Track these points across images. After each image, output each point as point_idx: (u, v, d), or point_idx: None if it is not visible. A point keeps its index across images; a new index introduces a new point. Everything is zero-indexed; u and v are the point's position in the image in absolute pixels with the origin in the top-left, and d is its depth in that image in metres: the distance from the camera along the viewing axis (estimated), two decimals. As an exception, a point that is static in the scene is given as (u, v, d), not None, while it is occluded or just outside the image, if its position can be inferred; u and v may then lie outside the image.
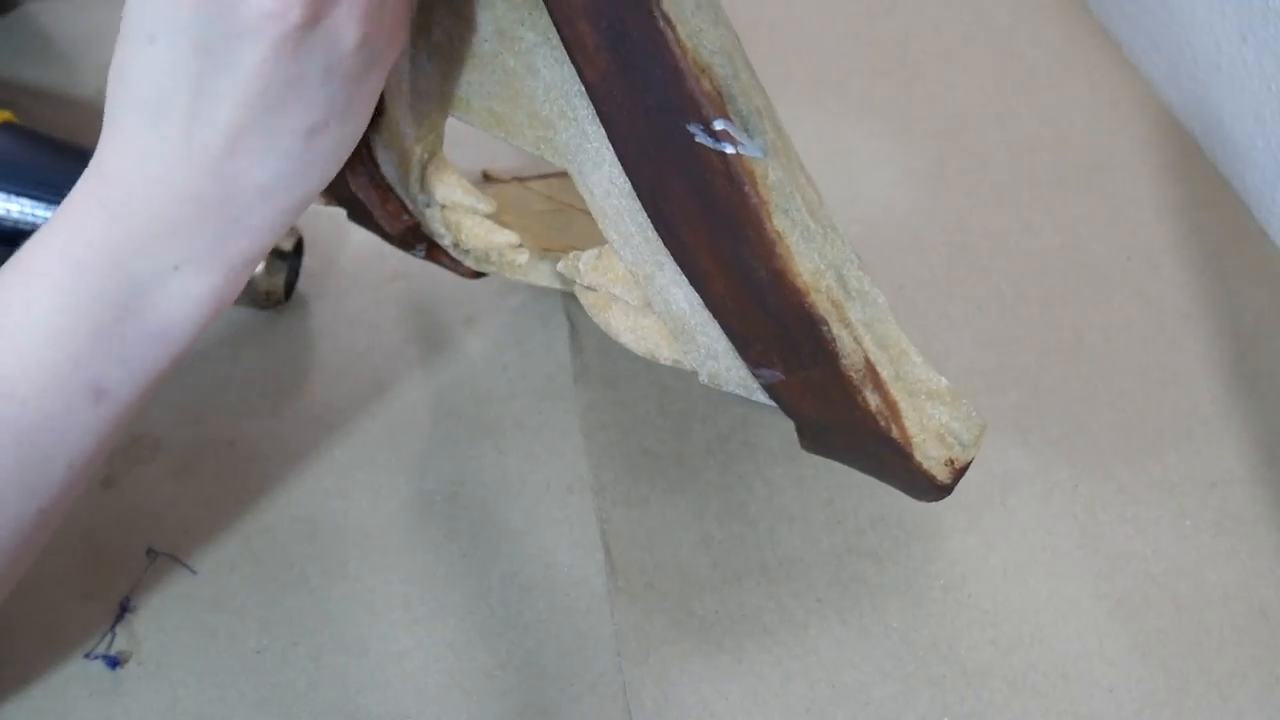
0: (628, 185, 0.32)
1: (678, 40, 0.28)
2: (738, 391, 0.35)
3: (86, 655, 0.39)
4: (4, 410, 0.31)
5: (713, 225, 0.30)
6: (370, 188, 0.40)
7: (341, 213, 0.42)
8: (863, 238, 0.52)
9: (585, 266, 0.36)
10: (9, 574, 0.35)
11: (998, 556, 0.42)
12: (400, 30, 0.32)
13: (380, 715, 0.38)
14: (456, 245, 0.41)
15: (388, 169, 0.39)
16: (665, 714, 0.38)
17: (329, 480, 0.44)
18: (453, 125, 0.39)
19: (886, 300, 0.32)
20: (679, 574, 0.41)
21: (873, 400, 0.32)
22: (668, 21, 0.27)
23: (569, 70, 0.32)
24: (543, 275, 0.42)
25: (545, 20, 0.32)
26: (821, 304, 0.30)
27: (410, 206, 0.41)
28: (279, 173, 0.31)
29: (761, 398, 0.35)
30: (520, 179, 0.49)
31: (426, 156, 0.39)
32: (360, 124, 0.33)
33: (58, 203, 0.45)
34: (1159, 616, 0.40)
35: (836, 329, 0.31)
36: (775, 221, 0.30)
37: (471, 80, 0.36)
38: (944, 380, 0.32)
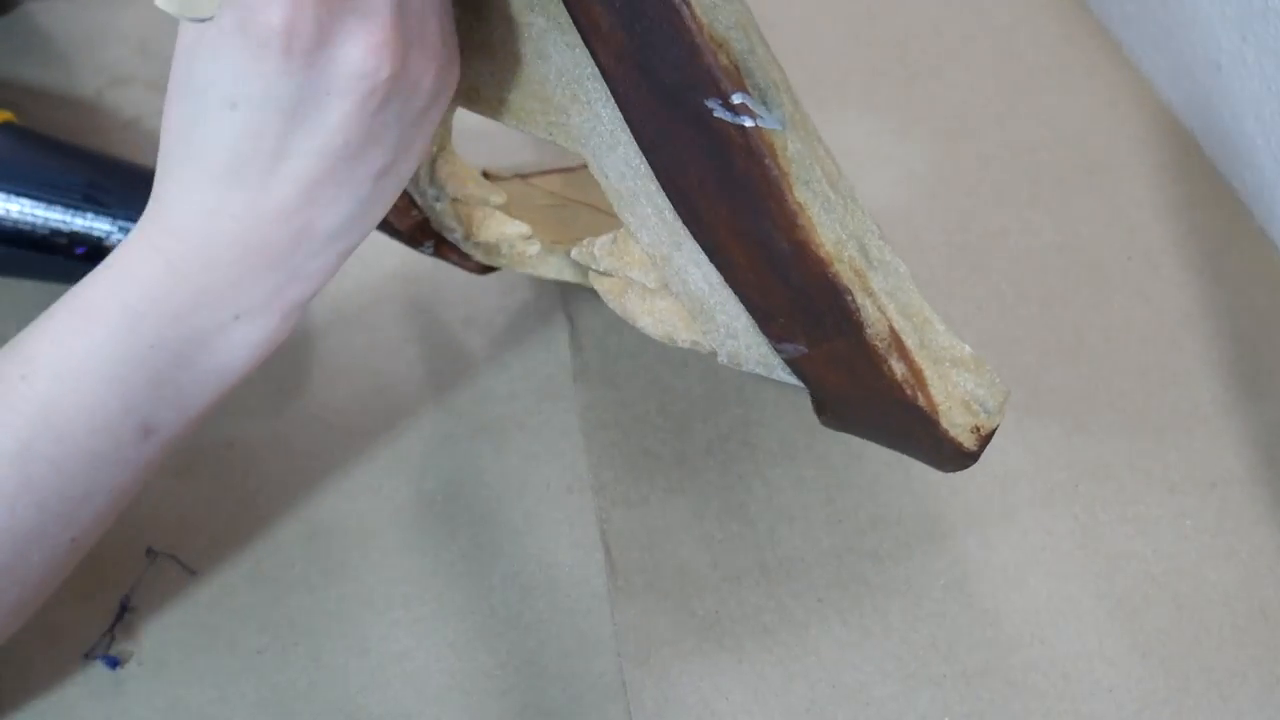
0: (643, 167, 0.32)
1: (693, 16, 0.28)
2: (757, 370, 0.35)
3: (86, 655, 0.39)
4: (54, 451, 0.31)
5: (733, 200, 0.30)
6: None
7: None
8: (863, 238, 0.52)
9: (601, 251, 0.36)
10: (38, 600, 0.35)
11: (998, 556, 0.42)
12: (456, 62, 0.32)
13: (380, 715, 0.38)
14: (468, 238, 0.41)
15: None
16: (665, 714, 0.38)
17: (329, 480, 0.44)
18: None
19: (908, 269, 0.32)
20: (679, 574, 0.41)
21: (898, 369, 0.32)
22: None
23: (580, 54, 0.32)
24: (551, 267, 0.42)
25: (554, 5, 0.32)
26: (845, 274, 0.30)
27: (419, 201, 0.41)
28: (347, 217, 0.31)
29: (782, 375, 0.35)
30: (522, 176, 0.49)
31: (435, 150, 0.39)
32: (421, 155, 0.33)
33: (58, 203, 0.45)
34: (1159, 616, 0.40)
35: (860, 299, 0.31)
36: (796, 193, 0.30)
37: (480, 70, 0.35)
38: (968, 348, 0.32)
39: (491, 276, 0.50)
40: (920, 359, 0.32)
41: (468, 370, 0.47)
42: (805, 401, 0.46)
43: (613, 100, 0.31)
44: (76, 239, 0.45)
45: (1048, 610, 0.41)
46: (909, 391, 0.32)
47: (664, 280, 0.35)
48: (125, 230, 0.45)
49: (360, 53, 0.28)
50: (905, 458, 0.44)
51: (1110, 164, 0.55)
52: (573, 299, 0.49)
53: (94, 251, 0.45)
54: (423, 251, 0.42)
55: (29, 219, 0.45)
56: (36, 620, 0.39)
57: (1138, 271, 0.51)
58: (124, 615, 0.40)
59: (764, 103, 0.29)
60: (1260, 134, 0.51)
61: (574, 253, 0.38)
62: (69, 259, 0.45)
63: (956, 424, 0.33)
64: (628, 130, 0.31)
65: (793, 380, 0.35)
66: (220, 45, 0.28)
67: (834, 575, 0.41)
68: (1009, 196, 0.54)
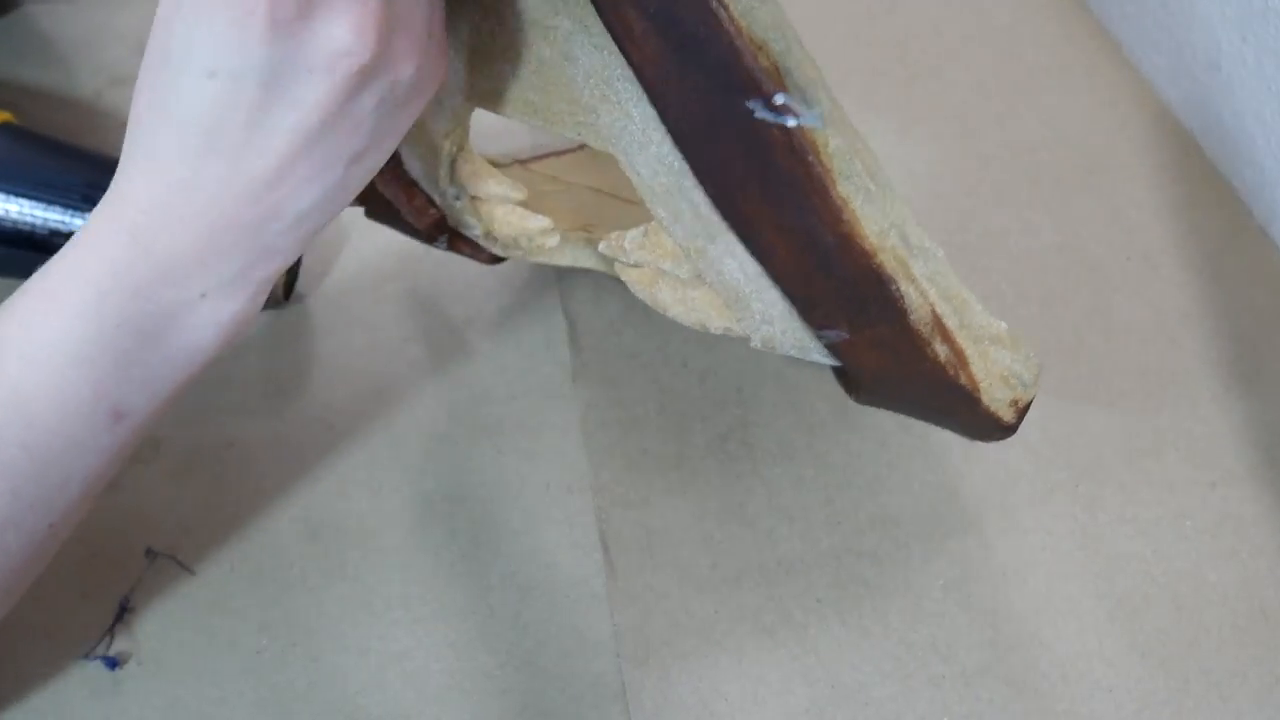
0: (677, 164, 0.32)
1: (731, 19, 0.28)
2: (792, 353, 0.36)
3: (86, 655, 0.39)
4: (25, 436, 0.31)
5: (775, 197, 0.30)
6: (397, 186, 0.40)
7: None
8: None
9: (631, 245, 0.36)
10: (19, 587, 0.35)
11: (997, 556, 0.42)
12: (443, 59, 0.32)
13: (380, 715, 0.38)
14: (487, 234, 0.41)
15: (412, 165, 0.39)
16: (665, 714, 0.38)
17: (329, 480, 0.44)
18: None
19: (944, 252, 0.33)
20: (679, 574, 0.41)
21: (941, 351, 0.33)
22: (720, 2, 0.28)
23: (609, 55, 0.32)
24: (566, 256, 0.42)
25: (581, 7, 0.32)
26: (889, 263, 0.31)
27: (438, 200, 0.41)
28: (318, 199, 0.31)
29: (818, 356, 0.35)
30: (521, 162, 0.49)
31: (455, 150, 0.39)
32: (393, 147, 0.33)
33: (58, 203, 0.45)
34: (1159, 616, 0.40)
35: (904, 286, 0.32)
36: (840, 188, 0.30)
37: (502, 72, 0.35)
38: (1003, 325, 0.34)
39: (492, 276, 0.50)
40: (962, 339, 0.33)
41: (468, 370, 0.47)
42: (805, 401, 0.46)
43: (644, 100, 0.31)
44: (76, 239, 0.45)
45: (1047, 610, 0.41)
46: (951, 372, 0.33)
47: (697, 271, 0.35)
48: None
49: (344, 31, 0.28)
50: (905, 459, 0.44)
51: (1110, 164, 0.55)
52: (573, 299, 0.49)
53: (94, 251, 0.45)
54: (437, 247, 0.42)
55: (29, 219, 0.45)
56: (36, 620, 0.39)
57: (1138, 271, 0.51)
58: (123, 615, 0.40)
59: (804, 101, 0.29)
60: (1260, 134, 0.51)
61: (602, 247, 0.38)
62: (69, 259, 0.45)
63: (996, 399, 0.34)
64: (660, 128, 0.31)
65: (828, 361, 0.35)
66: (201, 12, 0.28)
67: (834, 576, 0.41)
68: (1009, 196, 0.54)
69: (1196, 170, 0.55)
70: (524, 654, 0.40)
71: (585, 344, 0.48)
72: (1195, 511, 0.43)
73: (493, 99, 0.36)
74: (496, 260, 0.44)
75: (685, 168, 0.32)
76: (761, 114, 0.29)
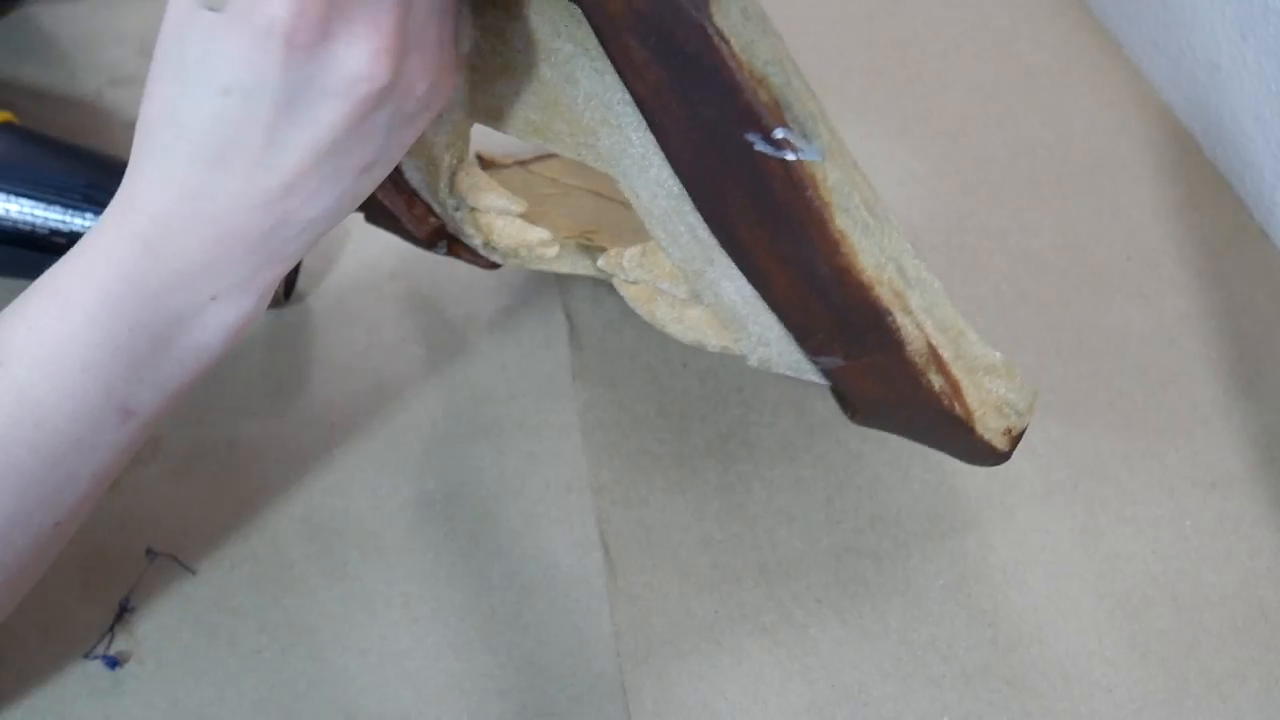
0: (675, 187, 0.32)
1: (733, 54, 0.28)
2: (787, 372, 0.36)
3: (86, 655, 0.39)
4: (33, 437, 0.31)
5: (773, 228, 0.30)
6: (397, 195, 0.40)
7: None
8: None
9: (630, 263, 0.36)
10: (23, 585, 0.35)
11: (997, 556, 0.42)
12: (453, 74, 0.33)
13: (380, 715, 0.38)
14: (486, 244, 0.41)
15: (413, 175, 0.40)
16: (665, 714, 0.38)
17: (329, 480, 0.44)
18: None
19: (941, 284, 0.33)
20: (679, 574, 0.41)
21: (936, 381, 0.33)
22: (722, 36, 0.28)
23: (610, 79, 0.32)
24: (566, 265, 0.42)
25: (582, 31, 0.32)
26: (885, 296, 0.31)
27: (438, 210, 0.41)
28: (327, 207, 0.31)
29: (813, 377, 0.35)
30: (521, 162, 0.49)
31: (455, 162, 0.39)
32: (400, 157, 0.33)
33: (58, 203, 0.45)
34: (1159, 616, 0.40)
35: (900, 318, 0.32)
36: (838, 222, 0.30)
37: (504, 90, 0.36)
38: (998, 355, 0.34)
39: (491, 276, 0.50)
40: (957, 371, 0.33)
41: (468, 370, 0.47)
42: (805, 402, 0.46)
43: (644, 125, 0.31)
44: (76, 239, 0.45)
45: (1047, 610, 0.41)
46: (946, 402, 0.33)
47: (695, 292, 0.35)
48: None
49: (362, 56, 0.28)
50: (904, 459, 0.44)
51: (1110, 164, 0.55)
52: (572, 299, 0.49)
53: (94, 251, 0.45)
54: (436, 252, 0.43)
55: (29, 219, 0.45)
56: (36, 620, 0.39)
57: (1138, 271, 0.51)
58: (124, 615, 0.40)
59: (804, 135, 0.29)
60: (1260, 134, 0.51)
61: (600, 263, 0.38)
62: (69, 259, 0.45)
63: (990, 428, 0.34)
64: (659, 153, 0.31)
65: (823, 381, 0.35)
66: (218, 28, 0.28)
67: (834, 575, 0.41)
68: (1009, 196, 0.54)
69: (1196, 170, 0.55)
70: (524, 654, 0.40)
71: (585, 344, 0.48)
72: (1195, 511, 0.43)
73: (493, 116, 0.37)
74: (493, 265, 0.44)
75: (684, 193, 0.32)
76: (761, 146, 0.29)
